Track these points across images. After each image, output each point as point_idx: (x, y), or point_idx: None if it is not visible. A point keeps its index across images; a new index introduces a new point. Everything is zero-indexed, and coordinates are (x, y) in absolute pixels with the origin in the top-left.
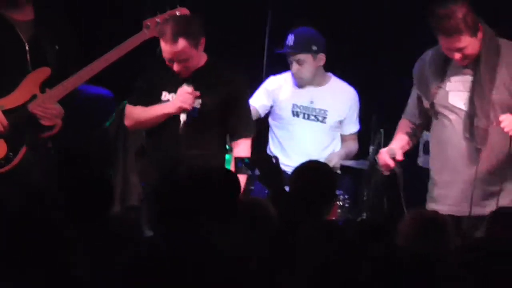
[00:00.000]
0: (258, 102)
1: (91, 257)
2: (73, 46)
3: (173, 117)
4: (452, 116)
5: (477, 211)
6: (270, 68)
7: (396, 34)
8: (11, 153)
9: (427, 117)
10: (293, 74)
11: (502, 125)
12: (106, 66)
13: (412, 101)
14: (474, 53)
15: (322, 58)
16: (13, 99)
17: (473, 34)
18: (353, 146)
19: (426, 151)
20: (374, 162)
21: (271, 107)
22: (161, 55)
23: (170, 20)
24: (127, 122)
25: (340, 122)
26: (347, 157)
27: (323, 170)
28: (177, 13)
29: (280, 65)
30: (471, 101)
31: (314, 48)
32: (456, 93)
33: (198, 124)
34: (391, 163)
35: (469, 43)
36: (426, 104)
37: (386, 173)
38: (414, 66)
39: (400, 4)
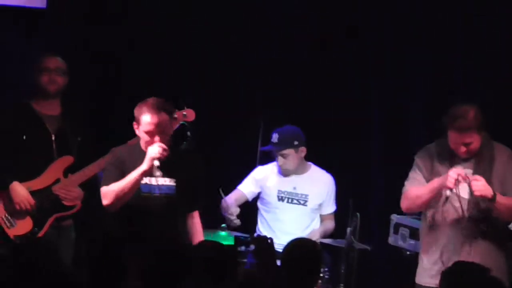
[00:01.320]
0: (246, 188)
1: None
2: (93, 138)
3: (147, 197)
4: (454, 203)
5: None
6: (262, 159)
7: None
8: (36, 228)
9: None
10: (279, 166)
11: (474, 183)
12: None
13: (416, 185)
14: (476, 148)
15: (303, 150)
16: (40, 182)
17: (480, 131)
18: (330, 224)
19: (396, 231)
20: (351, 241)
21: (259, 193)
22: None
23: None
24: (106, 201)
25: (320, 204)
26: (325, 234)
27: (311, 247)
28: (184, 113)
29: (270, 157)
30: None
31: (296, 143)
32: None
33: (174, 201)
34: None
35: (475, 140)
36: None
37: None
38: (419, 155)
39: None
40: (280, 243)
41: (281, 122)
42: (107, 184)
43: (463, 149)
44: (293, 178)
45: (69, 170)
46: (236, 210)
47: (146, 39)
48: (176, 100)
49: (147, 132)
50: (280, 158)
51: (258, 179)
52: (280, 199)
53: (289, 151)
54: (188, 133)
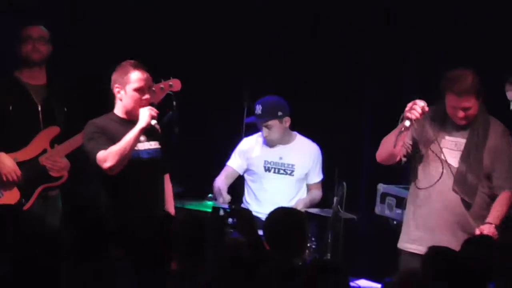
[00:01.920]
0: (235, 163)
1: None
2: (80, 108)
3: (137, 162)
4: (442, 170)
5: None
6: (247, 131)
7: (355, 100)
8: (23, 199)
9: (408, 154)
10: (264, 137)
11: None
12: None
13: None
14: (473, 115)
15: (287, 120)
16: (26, 153)
17: (478, 97)
18: (317, 193)
19: (382, 201)
20: (337, 211)
21: (247, 165)
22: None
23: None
24: (109, 162)
25: (306, 174)
26: (312, 202)
27: (294, 216)
28: (170, 84)
29: (256, 128)
30: (464, 159)
31: (280, 113)
32: (449, 150)
33: (160, 164)
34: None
35: (474, 105)
36: (424, 151)
37: (412, 116)
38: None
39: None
40: (266, 213)
41: (266, 93)
42: (102, 149)
43: (461, 114)
44: (279, 148)
45: (56, 141)
46: (227, 198)
47: (137, 12)
48: (162, 71)
49: (138, 89)
50: (264, 129)
51: (244, 150)
52: (267, 169)
53: (273, 122)
54: (174, 102)
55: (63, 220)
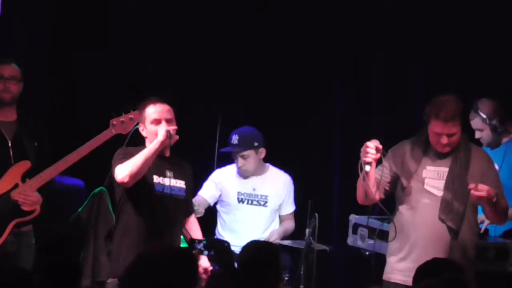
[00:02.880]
0: (207, 193)
1: None
2: (50, 143)
3: (160, 196)
4: (426, 200)
5: None
6: (219, 161)
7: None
8: None
9: (388, 191)
10: (238, 168)
11: (480, 191)
12: (78, 160)
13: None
14: (456, 142)
15: (262, 151)
16: None
17: (461, 123)
18: (290, 224)
19: (355, 231)
20: (310, 242)
21: (219, 196)
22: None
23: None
24: (123, 173)
25: (279, 205)
26: (285, 234)
27: (266, 249)
28: (131, 117)
29: (227, 158)
30: (449, 187)
31: (256, 144)
32: (431, 180)
33: (182, 203)
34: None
35: (458, 131)
36: (405, 183)
37: (368, 159)
38: (392, 148)
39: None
40: (240, 245)
41: (239, 121)
42: (121, 163)
43: (445, 140)
44: (252, 179)
45: (27, 175)
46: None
47: (103, 40)
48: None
49: (154, 121)
50: (240, 160)
51: (217, 181)
52: (240, 200)
53: (249, 152)
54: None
55: (36, 256)
